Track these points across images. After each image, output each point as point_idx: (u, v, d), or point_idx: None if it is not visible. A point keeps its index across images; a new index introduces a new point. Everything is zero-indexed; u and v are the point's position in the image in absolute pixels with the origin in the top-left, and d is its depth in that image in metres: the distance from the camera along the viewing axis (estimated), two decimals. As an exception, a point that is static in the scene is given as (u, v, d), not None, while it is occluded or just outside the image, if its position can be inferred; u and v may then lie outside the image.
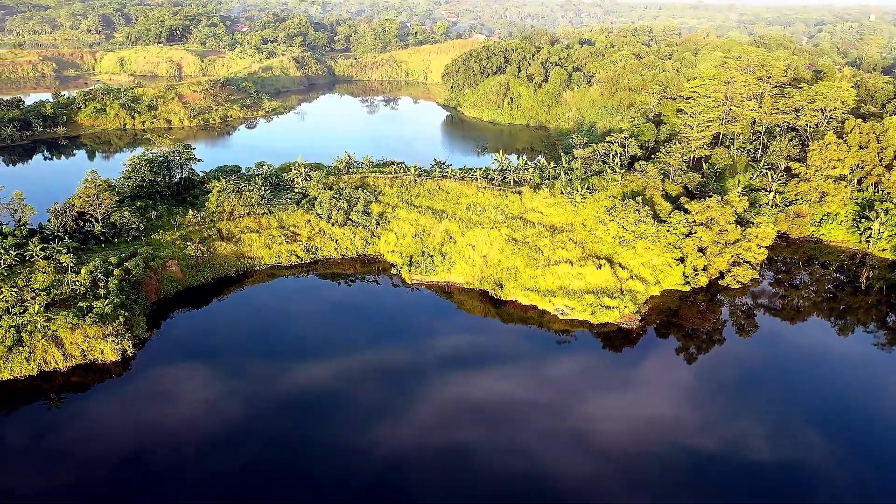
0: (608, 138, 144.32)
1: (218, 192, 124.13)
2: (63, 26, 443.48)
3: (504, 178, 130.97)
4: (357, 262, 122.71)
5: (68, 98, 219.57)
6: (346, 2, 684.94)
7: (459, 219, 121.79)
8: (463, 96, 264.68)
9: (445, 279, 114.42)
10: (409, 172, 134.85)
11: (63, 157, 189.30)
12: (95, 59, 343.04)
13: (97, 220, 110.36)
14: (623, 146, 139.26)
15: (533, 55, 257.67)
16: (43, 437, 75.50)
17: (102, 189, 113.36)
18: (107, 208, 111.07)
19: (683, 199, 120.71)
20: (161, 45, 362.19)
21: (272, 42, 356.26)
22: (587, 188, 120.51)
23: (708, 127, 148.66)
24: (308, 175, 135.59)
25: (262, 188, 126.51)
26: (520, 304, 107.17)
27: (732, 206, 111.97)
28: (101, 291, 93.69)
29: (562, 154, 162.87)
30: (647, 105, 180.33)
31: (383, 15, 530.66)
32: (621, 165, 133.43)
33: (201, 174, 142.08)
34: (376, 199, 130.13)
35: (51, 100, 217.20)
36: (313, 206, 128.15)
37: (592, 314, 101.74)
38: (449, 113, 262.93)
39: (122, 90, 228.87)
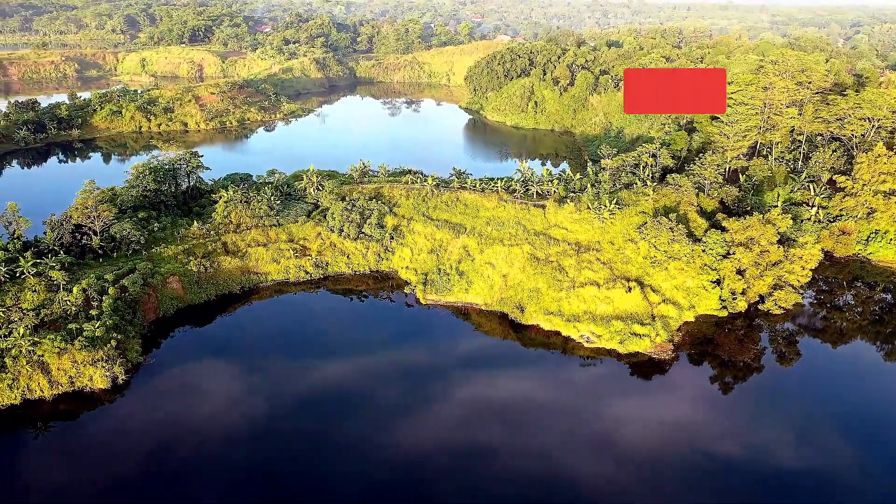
0: (638, 148, 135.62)
1: (225, 202, 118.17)
2: (89, 26, 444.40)
3: (527, 190, 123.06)
4: (369, 278, 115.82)
5: (84, 100, 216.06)
6: (370, 2, 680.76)
7: (478, 234, 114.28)
8: (486, 99, 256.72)
9: (462, 300, 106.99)
10: (426, 183, 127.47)
11: (77, 160, 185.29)
12: (117, 60, 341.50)
13: (95, 233, 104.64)
14: (654, 156, 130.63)
15: (559, 57, 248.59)
16: (19, 473, 69.82)
17: (101, 199, 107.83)
18: (106, 220, 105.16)
19: (720, 216, 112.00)
20: (183, 45, 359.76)
21: (294, 43, 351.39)
22: (616, 203, 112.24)
23: (745, 136, 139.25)
24: (320, 184, 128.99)
25: (272, 198, 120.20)
26: (542, 329, 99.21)
27: (775, 225, 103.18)
28: (94, 312, 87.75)
29: (588, 162, 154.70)
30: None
31: (407, 15, 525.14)
32: (652, 178, 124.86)
33: (210, 182, 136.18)
34: (391, 211, 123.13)
35: (66, 101, 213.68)
36: (325, 217, 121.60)
37: (621, 342, 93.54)
38: (471, 117, 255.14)
39: (138, 92, 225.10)
